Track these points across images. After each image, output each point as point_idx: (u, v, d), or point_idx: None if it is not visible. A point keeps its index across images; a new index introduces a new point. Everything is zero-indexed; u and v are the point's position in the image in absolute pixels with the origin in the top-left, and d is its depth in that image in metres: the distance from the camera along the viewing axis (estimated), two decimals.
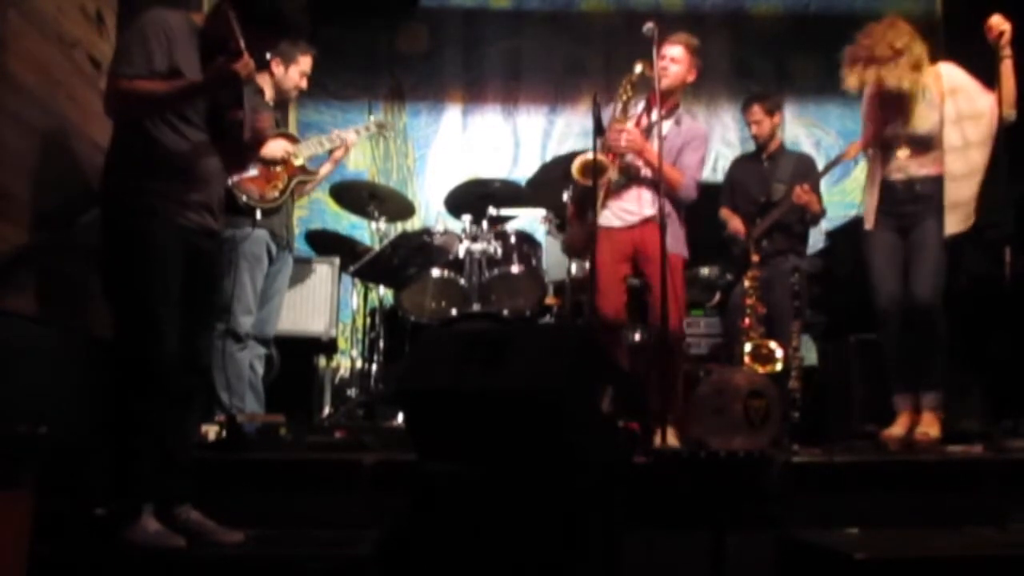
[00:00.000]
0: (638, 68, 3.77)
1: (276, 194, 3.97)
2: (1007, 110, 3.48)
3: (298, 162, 4.07)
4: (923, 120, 3.63)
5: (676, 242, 3.80)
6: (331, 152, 4.26)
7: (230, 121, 2.65)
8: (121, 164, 2.58)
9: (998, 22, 3.42)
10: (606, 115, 3.82)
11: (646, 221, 3.80)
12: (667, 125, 3.84)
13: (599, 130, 3.67)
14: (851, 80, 3.65)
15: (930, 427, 3.54)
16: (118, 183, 2.57)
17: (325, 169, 4.31)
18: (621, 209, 3.87)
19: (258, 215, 3.86)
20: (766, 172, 4.56)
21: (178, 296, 2.55)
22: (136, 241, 2.51)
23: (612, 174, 3.79)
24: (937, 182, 3.60)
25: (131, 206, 2.53)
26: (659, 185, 3.56)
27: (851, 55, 3.64)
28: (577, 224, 3.96)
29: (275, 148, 3.97)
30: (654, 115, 3.80)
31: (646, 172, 3.84)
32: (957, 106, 3.59)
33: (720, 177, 4.99)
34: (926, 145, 3.63)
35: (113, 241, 2.55)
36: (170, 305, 2.53)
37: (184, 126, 2.60)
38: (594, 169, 3.54)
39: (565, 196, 4.09)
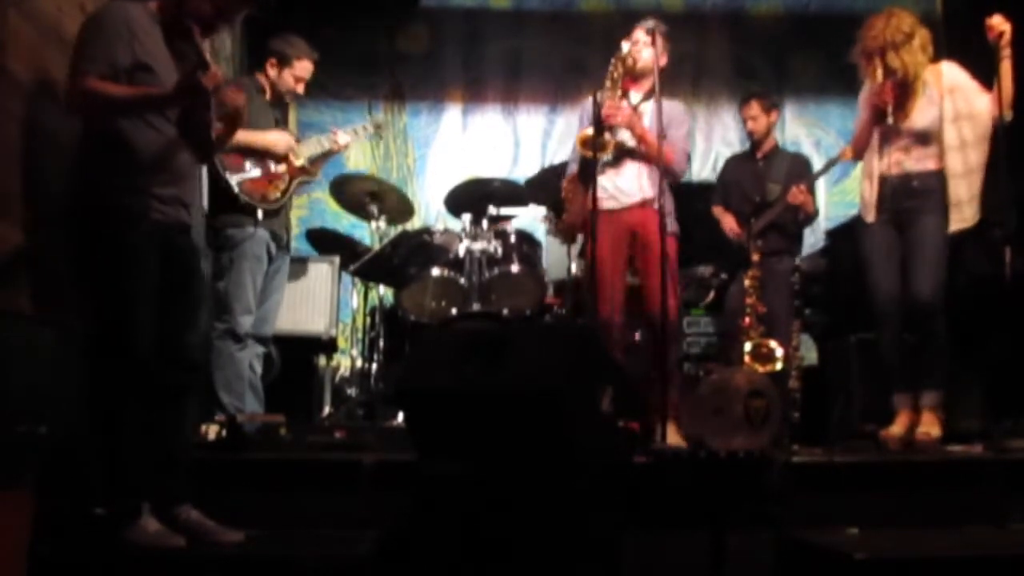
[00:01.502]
0: (625, 47, 3.86)
1: (278, 195, 3.97)
2: (1004, 110, 3.48)
3: (299, 162, 4.07)
4: (922, 115, 3.63)
5: (670, 220, 3.87)
6: (328, 152, 4.25)
7: (197, 121, 2.66)
8: (93, 160, 2.56)
9: (998, 22, 3.42)
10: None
11: (644, 203, 3.87)
12: (646, 107, 3.97)
13: (599, 129, 3.70)
14: (872, 73, 3.61)
15: (931, 427, 3.54)
16: (90, 180, 2.55)
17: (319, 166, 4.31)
18: (618, 190, 3.93)
19: (259, 215, 3.86)
20: (761, 172, 4.58)
21: (154, 293, 2.54)
22: (109, 240, 2.50)
23: (610, 154, 3.85)
24: (934, 177, 3.60)
25: (104, 203, 2.52)
26: (653, 163, 3.73)
27: (865, 49, 3.61)
28: (577, 200, 3.98)
29: (279, 140, 3.96)
30: (633, 98, 3.97)
31: (638, 148, 3.91)
32: (955, 105, 3.59)
33: None
34: (923, 140, 3.63)
35: (86, 240, 2.54)
36: (146, 303, 2.51)
37: (156, 119, 2.60)
38: (594, 164, 3.56)
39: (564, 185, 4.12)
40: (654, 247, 3.68)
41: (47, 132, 2.83)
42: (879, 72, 3.58)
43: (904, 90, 3.62)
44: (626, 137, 3.90)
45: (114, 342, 2.48)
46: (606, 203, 3.83)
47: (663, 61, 3.94)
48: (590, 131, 3.72)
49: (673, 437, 3.35)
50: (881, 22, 3.60)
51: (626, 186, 3.91)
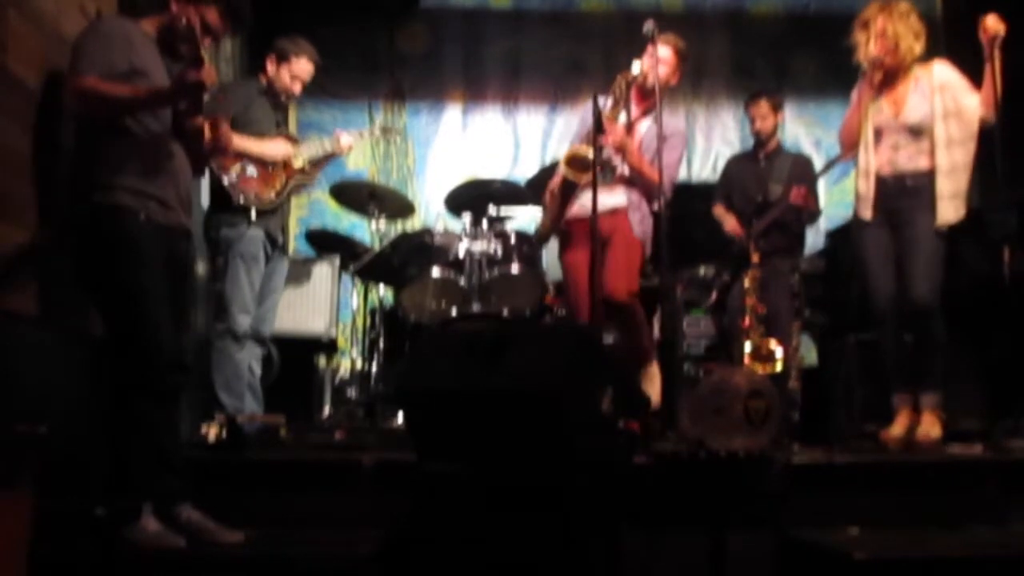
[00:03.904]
0: (636, 68, 3.78)
1: (273, 195, 3.94)
2: (988, 111, 3.49)
3: (297, 164, 4.05)
4: (914, 110, 3.64)
5: (642, 229, 3.90)
6: (329, 155, 4.24)
7: (190, 127, 2.69)
8: (94, 162, 2.57)
9: (993, 24, 3.42)
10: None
11: (615, 211, 3.87)
12: (646, 123, 3.94)
13: (599, 129, 3.68)
14: (864, 43, 3.66)
15: (931, 427, 3.54)
16: (94, 182, 2.56)
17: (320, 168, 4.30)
18: (591, 200, 3.90)
19: (253, 214, 3.84)
20: (763, 172, 4.57)
21: (165, 294, 2.57)
22: (120, 241, 2.53)
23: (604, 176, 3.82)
24: (927, 176, 3.60)
25: (109, 207, 2.53)
26: (631, 178, 3.75)
27: (861, 18, 3.67)
28: (553, 208, 3.98)
29: (276, 149, 3.95)
30: (634, 112, 3.92)
31: (623, 170, 3.89)
32: (944, 102, 3.60)
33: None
34: (915, 135, 3.63)
35: (96, 242, 2.55)
36: (159, 303, 2.55)
37: (153, 123, 2.63)
38: (593, 164, 3.55)
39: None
40: (618, 245, 3.77)
41: (48, 132, 2.84)
42: (872, 40, 3.60)
43: (895, 69, 3.63)
44: (610, 155, 3.87)
45: (136, 343, 2.51)
46: (580, 212, 3.85)
47: (674, 80, 3.95)
48: (581, 149, 3.71)
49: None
50: (880, 1, 3.66)
51: (601, 198, 3.89)
